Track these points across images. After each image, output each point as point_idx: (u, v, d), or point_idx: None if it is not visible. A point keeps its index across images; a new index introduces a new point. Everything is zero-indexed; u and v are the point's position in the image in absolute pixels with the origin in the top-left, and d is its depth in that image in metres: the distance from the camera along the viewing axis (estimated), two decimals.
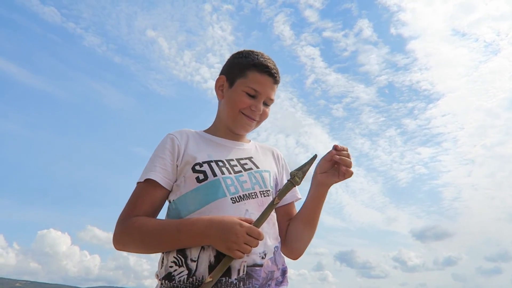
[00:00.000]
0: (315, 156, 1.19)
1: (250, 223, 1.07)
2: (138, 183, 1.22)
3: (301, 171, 1.18)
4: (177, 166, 1.22)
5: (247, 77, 1.26)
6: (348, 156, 1.18)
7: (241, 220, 1.07)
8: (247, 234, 1.04)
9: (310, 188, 1.26)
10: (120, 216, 1.18)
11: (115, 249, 1.18)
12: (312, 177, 1.26)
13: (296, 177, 1.17)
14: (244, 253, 1.03)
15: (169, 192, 1.22)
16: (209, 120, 1.43)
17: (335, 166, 1.20)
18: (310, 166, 1.19)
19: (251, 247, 1.04)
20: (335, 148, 1.18)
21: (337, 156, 1.16)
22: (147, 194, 1.19)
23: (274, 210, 1.23)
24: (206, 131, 1.37)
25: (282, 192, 1.16)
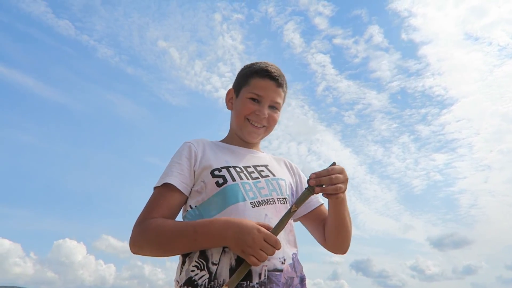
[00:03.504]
0: (333, 164, 1.14)
1: (268, 229, 1.05)
2: (155, 188, 1.22)
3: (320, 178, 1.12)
4: (194, 172, 1.22)
5: (250, 85, 1.30)
6: (326, 182, 1.08)
7: (260, 225, 1.05)
8: (264, 240, 1.02)
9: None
10: (137, 220, 1.17)
11: (132, 253, 1.16)
12: None
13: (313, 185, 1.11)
14: (259, 260, 1.01)
15: (186, 197, 1.22)
16: (221, 128, 1.47)
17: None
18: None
19: (267, 254, 1.02)
20: (310, 177, 1.10)
21: (313, 181, 1.09)
22: (164, 198, 1.18)
23: (291, 218, 1.21)
24: (221, 141, 1.40)
25: (300, 200, 1.12)
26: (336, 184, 1.08)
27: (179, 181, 1.19)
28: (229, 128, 1.43)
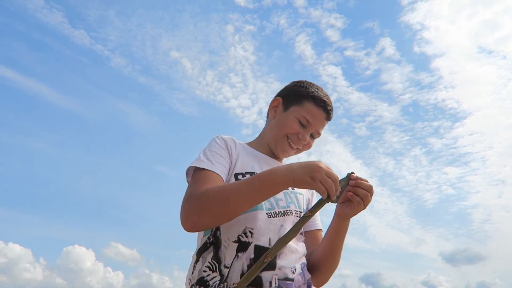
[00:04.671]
0: (352, 173, 1.10)
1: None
2: (200, 169, 1.16)
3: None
4: (228, 170, 1.21)
5: (302, 106, 1.29)
6: (366, 187, 1.08)
7: None
8: (326, 168, 1.01)
9: (332, 218, 1.22)
10: (186, 196, 1.10)
11: (187, 230, 1.07)
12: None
13: None
14: (326, 186, 0.99)
15: None
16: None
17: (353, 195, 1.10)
18: (345, 183, 1.09)
19: (331, 180, 0.99)
20: (350, 177, 1.09)
21: (350, 187, 1.09)
22: (212, 178, 1.13)
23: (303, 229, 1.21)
24: (249, 144, 1.38)
25: (315, 206, 1.09)
26: (369, 195, 1.08)
27: (224, 173, 1.17)
28: (260, 133, 1.42)
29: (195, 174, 1.16)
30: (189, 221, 1.04)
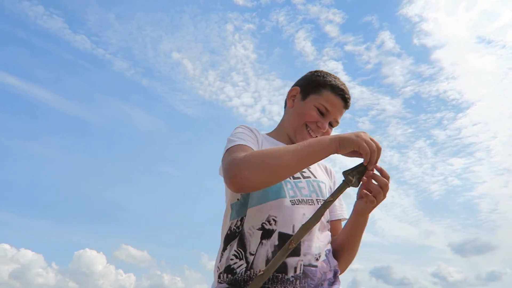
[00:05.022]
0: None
1: None
2: (234, 146, 1.15)
3: (356, 171, 1.06)
4: None
5: (321, 95, 1.30)
6: (381, 182, 1.08)
7: None
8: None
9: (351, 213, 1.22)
10: (228, 159, 1.09)
11: (234, 190, 1.09)
12: None
13: (349, 176, 1.06)
14: (370, 148, 1.01)
15: None
16: None
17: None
18: (364, 169, 1.07)
19: (373, 149, 1.02)
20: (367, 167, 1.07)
21: (365, 178, 1.08)
22: (250, 150, 1.13)
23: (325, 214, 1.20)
24: (269, 134, 1.39)
25: (337, 191, 1.08)
26: (385, 189, 1.08)
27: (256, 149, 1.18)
28: (278, 124, 1.44)
29: (229, 150, 1.14)
30: (240, 176, 1.02)
